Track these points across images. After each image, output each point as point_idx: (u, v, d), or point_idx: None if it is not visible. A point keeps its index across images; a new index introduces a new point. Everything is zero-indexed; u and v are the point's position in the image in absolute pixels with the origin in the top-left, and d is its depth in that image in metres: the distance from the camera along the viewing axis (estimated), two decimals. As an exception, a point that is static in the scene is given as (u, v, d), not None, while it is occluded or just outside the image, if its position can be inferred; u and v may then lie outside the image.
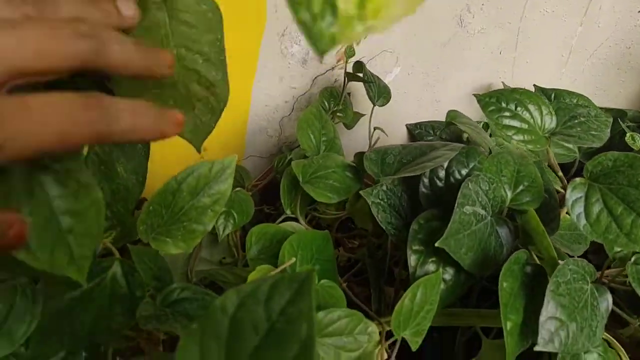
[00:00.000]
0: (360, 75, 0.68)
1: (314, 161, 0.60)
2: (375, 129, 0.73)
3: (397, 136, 0.91)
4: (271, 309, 0.29)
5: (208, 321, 0.30)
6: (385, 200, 0.54)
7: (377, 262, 0.63)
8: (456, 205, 0.49)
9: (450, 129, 0.86)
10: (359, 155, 0.60)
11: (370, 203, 0.53)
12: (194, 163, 0.78)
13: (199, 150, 0.53)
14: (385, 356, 0.51)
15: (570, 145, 0.75)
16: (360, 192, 0.53)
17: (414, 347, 0.48)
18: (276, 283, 0.30)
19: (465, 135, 0.80)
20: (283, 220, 0.63)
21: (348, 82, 0.71)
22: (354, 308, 0.57)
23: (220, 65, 0.49)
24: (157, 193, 0.45)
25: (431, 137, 0.85)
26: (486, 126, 0.79)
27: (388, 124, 0.84)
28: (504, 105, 0.53)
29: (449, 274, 0.52)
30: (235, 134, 0.84)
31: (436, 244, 0.47)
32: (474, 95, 0.53)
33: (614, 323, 0.67)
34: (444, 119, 0.85)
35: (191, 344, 0.30)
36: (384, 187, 0.55)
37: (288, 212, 0.62)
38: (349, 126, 0.77)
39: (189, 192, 0.45)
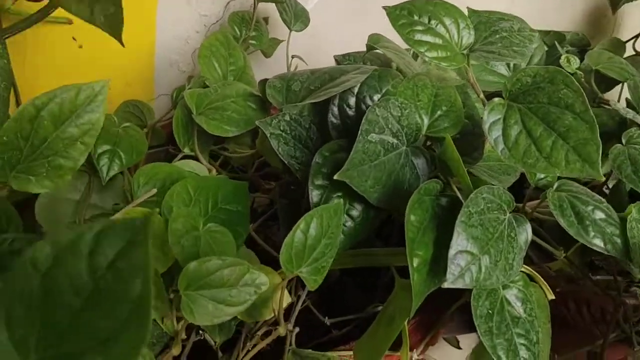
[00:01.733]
0: (269, -6, 0.61)
1: (212, 90, 0.53)
2: (293, 57, 0.66)
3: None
4: (96, 264, 0.23)
5: (16, 280, 0.23)
6: (289, 131, 0.48)
7: (290, 203, 0.57)
8: (359, 132, 0.44)
9: (379, 59, 0.79)
10: (263, 83, 0.54)
11: (268, 135, 0.46)
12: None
13: (120, 42, 0.45)
14: (289, 301, 0.46)
15: (503, 70, 0.70)
16: (257, 122, 0.46)
17: (311, 286, 0.43)
18: (103, 231, 0.23)
19: (394, 65, 0.74)
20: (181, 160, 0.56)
21: (258, 2, 0.63)
22: (264, 256, 0.52)
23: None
24: (10, 120, 0.37)
25: (359, 69, 0.78)
26: (416, 56, 0.73)
27: (312, 56, 0.77)
28: (416, 18, 0.46)
29: (356, 209, 0.46)
30: (141, 70, 0.76)
31: (335, 176, 0.42)
32: (383, 7, 0.46)
33: (544, 257, 0.64)
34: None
35: None
36: (287, 117, 0.48)
37: (186, 150, 0.55)
38: (267, 54, 0.70)
39: (52, 121, 0.38)
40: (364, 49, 0.82)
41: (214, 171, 0.55)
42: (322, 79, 0.51)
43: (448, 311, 0.49)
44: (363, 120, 0.44)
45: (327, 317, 0.54)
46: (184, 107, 0.54)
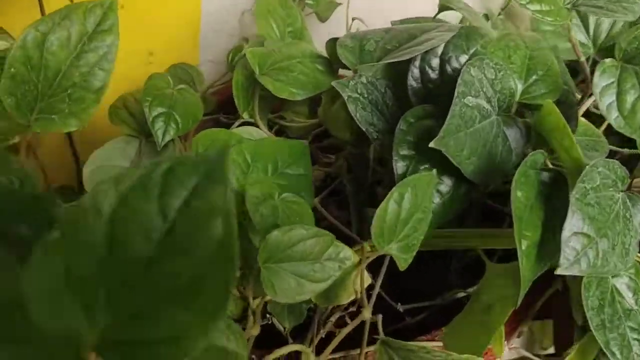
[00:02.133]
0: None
1: (275, 50, 0.47)
2: (353, 19, 0.60)
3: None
4: (168, 205, 0.19)
5: (76, 228, 0.19)
6: (366, 95, 0.43)
7: (357, 177, 0.52)
8: (456, 95, 0.38)
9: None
10: (332, 43, 0.48)
11: (346, 98, 0.41)
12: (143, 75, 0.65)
13: None
14: (368, 282, 0.41)
15: (582, 37, 0.63)
16: (333, 83, 0.41)
17: (402, 266, 0.38)
18: (173, 168, 0.20)
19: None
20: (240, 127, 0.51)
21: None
22: (332, 232, 0.47)
23: None
24: (15, 49, 0.32)
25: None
26: (486, 17, 0.67)
27: (370, 21, 0.71)
28: (519, -34, 0.40)
29: (445, 184, 0.41)
30: (187, 35, 0.71)
31: (431, 144, 0.37)
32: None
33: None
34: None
35: (49, 263, 0.19)
36: (363, 79, 0.43)
37: (245, 116, 0.50)
38: (322, 17, 0.64)
39: (62, 46, 0.33)
40: (424, 14, 0.76)
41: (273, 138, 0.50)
42: (400, 38, 0.46)
43: (541, 298, 0.44)
44: (459, 81, 0.38)
45: (399, 304, 0.49)
46: (244, 68, 0.49)
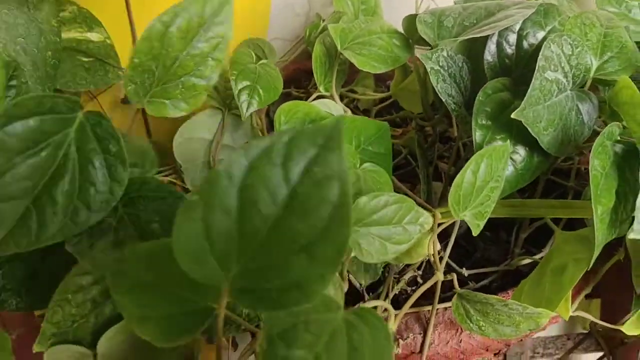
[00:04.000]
0: None
1: (355, 25, 0.50)
2: (423, -4, 0.62)
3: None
4: (291, 171, 0.22)
5: (212, 192, 0.22)
6: (446, 68, 0.45)
7: (425, 151, 0.54)
8: (537, 69, 0.40)
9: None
10: (410, 19, 0.50)
11: (428, 69, 0.43)
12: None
13: None
14: (438, 247, 0.44)
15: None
16: (418, 55, 0.43)
17: (475, 231, 0.40)
18: (294, 138, 0.22)
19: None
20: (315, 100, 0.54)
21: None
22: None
23: None
24: (140, 41, 0.35)
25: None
26: None
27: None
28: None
29: (519, 154, 0.43)
30: (258, 12, 0.74)
31: (512, 115, 0.39)
32: None
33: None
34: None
35: (191, 221, 0.22)
36: (445, 53, 0.45)
37: (321, 89, 0.53)
38: (390, -4, 0.66)
39: (181, 38, 0.35)
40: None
41: (349, 112, 0.53)
42: (478, 15, 0.48)
43: (601, 269, 0.45)
44: (540, 56, 0.40)
45: (464, 268, 0.52)
46: (323, 43, 0.52)
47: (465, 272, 0.51)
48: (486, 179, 0.39)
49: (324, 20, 0.59)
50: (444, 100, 0.44)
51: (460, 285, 0.51)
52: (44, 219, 0.29)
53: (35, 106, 0.30)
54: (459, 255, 0.55)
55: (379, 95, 0.59)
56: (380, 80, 0.69)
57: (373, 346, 0.26)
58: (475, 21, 0.47)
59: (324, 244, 0.22)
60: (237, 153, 0.23)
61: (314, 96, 0.54)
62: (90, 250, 0.31)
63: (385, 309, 0.41)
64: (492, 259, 0.56)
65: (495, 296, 0.38)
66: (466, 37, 0.44)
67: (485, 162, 0.39)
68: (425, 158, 0.52)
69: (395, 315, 0.40)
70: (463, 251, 0.57)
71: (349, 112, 0.53)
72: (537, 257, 0.50)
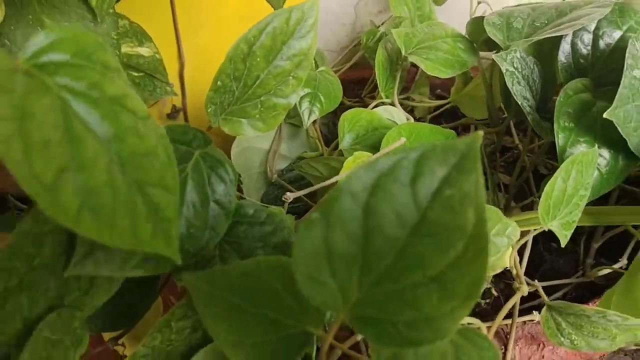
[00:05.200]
0: None
1: (419, 29, 0.49)
2: (479, 2, 0.61)
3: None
4: (420, 193, 0.20)
5: (334, 211, 0.20)
6: (520, 70, 0.43)
7: (490, 156, 0.53)
8: (625, 67, 0.38)
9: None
10: (475, 22, 0.49)
11: (504, 71, 0.42)
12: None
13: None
14: (517, 260, 0.42)
15: None
16: (494, 56, 0.42)
17: (563, 242, 0.38)
18: (423, 156, 0.20)
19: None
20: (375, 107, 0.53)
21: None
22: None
23: None
24: (225, 62, 0.34)
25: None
26: None
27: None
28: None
29: (604, 158, 0.41)
30: (304, 22, 0.73)
31: (605, 115, 0.37)
32: None
33: None
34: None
35: (313, 241, 0.20)
36: (518, 54, 0.43)
37: (383, 95, 0.52)
38: (438, 2, 0.65)
39: (264, 57, 0.34)
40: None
41: (411, 119, 0.51)
42: (549, 15, 0.46)
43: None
44: (627, 55, 0.38)
45: (536, 280, 0.49)
46: (385, 49, 0.51)
47: (539, 284, 0.49)
48: (576, 186, 0.37)
49: (378, 27, 0.58)
50: (519, 102, 0.42)
51: (529, 299, 0.49)
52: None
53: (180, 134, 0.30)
54: (526, 267, 0.53)
55: (439, 103, 0.57)
56: (430, 89, 0.68)
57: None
58: (546, 21, 0.46)
59: (458, 276, 0.20)
60: (360, 170, 0.21)
61: (374, 103, 0.53)
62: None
63: (470, 324, 0.39)
64: (562, 270, 0.53)
65: (593, 307, 0.36)
66: (541, 37, 0.43)
67: (576, 169, 0.37)
68: (493, 167, 0.51)
69: (488, 329, 0.38)
70: (529, 262, 0.55)
71: (412, 119, 0.52)
72: (616, 266, 0.47)
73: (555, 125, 0.40)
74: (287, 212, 0.39)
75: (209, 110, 0.35)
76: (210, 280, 0.28)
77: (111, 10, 0.50)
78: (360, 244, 0.21)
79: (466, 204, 0.20)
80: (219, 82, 0.34)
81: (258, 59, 0.34)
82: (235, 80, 0.34)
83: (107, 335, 0.40)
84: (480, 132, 0.21)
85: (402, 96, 0.59)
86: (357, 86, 0.67)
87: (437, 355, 0.24)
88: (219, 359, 0.30)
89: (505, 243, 0.37)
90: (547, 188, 0.36)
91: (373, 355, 0.23)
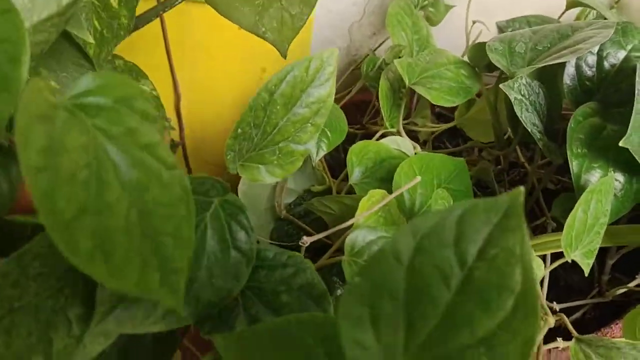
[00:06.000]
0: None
1: (420, 58, 0.48)
2: (474, 22, 0.61)
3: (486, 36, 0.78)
4: (464, 252, 0.20)
5: (377, 273, 0.20)
6: (527, 96, 0.43)
7: (497, 176, 0.52)
8: (636, 92, 0.38)
9: (544, 21, 0.72)
10: (477, 48, 0.49)
11: (512, 100, 0.41)
12: (252, 89, 0.67)
13: (284, 55, 0.42)
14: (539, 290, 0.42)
15: None
16: (501, 86, 0.41)
17: (586, 270, 0.38)
18: (465, 216, 0.20)
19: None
20: (380, 138, 0.52)
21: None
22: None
23: None
24: (246, 111, 0.35)
25: (527, 34, 0.72)
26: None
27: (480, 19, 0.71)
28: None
29: (619, 182, 0.41)
30: (299, 48, 0.72)
31: (620, 143, 0.37)
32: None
33: None
34: (538, 12, 0.72)
35: (357, 304, 0.20)
36: (524, 81, 0.43)
37: (388, 125, 0.51)
38: (434, 21, 0.65)
39: (284, 104, 0.35)
40: (527, 12, 0.76)
41: (418, 148, 0.51)
42: (551, 38, 0.46)
43: None
44: (637, 79, 0.38)
45: (554, 302, 0.49)
46: (387, 79, 0.50)
47: (557, 306, 0.48)
48: (596, 215, 0.37)
49: (375, 51, 0.58)
50: (529, 130, 0.42)
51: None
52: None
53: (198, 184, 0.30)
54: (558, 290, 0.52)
55: (443, 127, 0.57)
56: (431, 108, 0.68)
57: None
58: (548, 45, 0.46)
59: (508, 337, 0.19)
60: (402, 231, 0.21)
61: (380, 133, 0.52)
62: (228, 330, 0.29)
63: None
64: (577, 287, 0.53)
65: (623, 339, 0.35)
66: (546, 64, 0.43)
67: (595, 198, 0.37)
68: (501, 186, 0.50)
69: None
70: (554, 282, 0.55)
71: (418, 148, 0.51)
72: (631, 285, 0.47)
73: (568, 153, 0.40)
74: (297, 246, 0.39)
75: (227, 157, 0.35)
76: (240, 340, 0.27)
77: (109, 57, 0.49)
78: (405, 306, 0.20)
79: (512, 263, 0.19)
80: (239, 130, 0.35)
81: (278, 107, 0.35)
82: (255, 127, 0.35)
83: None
84: (522, 189, 0.20)
85: (405, 121, 0.59)
86: (358, 110, 0.66)
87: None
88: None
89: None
90: (568, 220, 0.36)
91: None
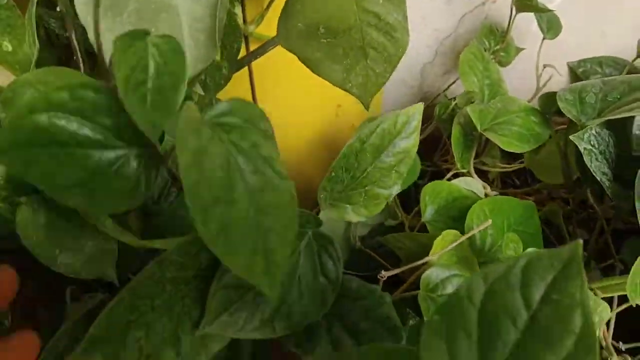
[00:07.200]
0: (531, 2, 0.58)
1: (492, 105, 0.52)
2: (545, 66, 0.63)
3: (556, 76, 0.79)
4: (530, 296, 0.23)
5: (454, 314, 0.24)
6: (597, 146, 0.45)
7: (567, 215, 0.54)
8: None
9: (618, 64, 0.73)
10: (547, 97, 0.52)
11: (582, 150, 0.44)
12: (331, 124, 0.72)
13: (367, 107, 0.46)
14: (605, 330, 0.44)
15: None
16: (571, 137, 0.44)
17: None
18: (530, 263, 0.23)
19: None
20: (451, 178, 0.56)
21: (517, 13, 0.61)
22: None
23: (399, 4, 0.42)
24: (340, 157, 0.40)
25: (599, 76, 0.73)
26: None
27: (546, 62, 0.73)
28: None
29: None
30: (373, 87, 0.77)
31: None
32: None
33: None
34: (610, 54, 0.73)
35: (437, 341, 0.24)
36: (594, 131, 0.46)
37: (459, 166, 0.55)
38: (504, 63, 0.68)
39: (372, 152, 0.40)
40: (595, 53, 0.77)
41: (488, 189, 0.54)
42: (621, 90, 0.48)
43: None
44: None
45: (620, 342, 0.50)
46: (459, 124, 0.54)
47: (622, 346, 0.50)
48: (660, 261, 0.39)
49: (446, 96, 0.62)
50: (598, 178, 0.44)
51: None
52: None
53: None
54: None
55: (513, 167, 0.60)
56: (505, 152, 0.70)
57: None
58: (618, 96, 0.48)
59: None
60: (474, 276, 0.24)
61: (451, 173, 0.56)
62: (311, 348, 0.34)
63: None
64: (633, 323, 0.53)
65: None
66: (617, 117, 0.45)
67: (659, 243, 0.39)
68: (571, 224, 0.52)
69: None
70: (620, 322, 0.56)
71: (488, 188, 0.54)
72: None
73: (637, 204, 0.42)
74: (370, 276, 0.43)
75: (320, 197, 0.40)
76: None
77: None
78: (478, 342, 0.24)
79: (573, 307, 0.22)
80: (333, 173, 0.40)
81: (367, 155, 0.39)
82: (346, 171, 0.40)
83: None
84: (580, 242, 0.24)
85: (475, 160, 0.62)
86: (429, 147, 0.70)
87: None
88: None
89: (596, 321, 0.39)
90: (634, 268, 0.38)
91: None
